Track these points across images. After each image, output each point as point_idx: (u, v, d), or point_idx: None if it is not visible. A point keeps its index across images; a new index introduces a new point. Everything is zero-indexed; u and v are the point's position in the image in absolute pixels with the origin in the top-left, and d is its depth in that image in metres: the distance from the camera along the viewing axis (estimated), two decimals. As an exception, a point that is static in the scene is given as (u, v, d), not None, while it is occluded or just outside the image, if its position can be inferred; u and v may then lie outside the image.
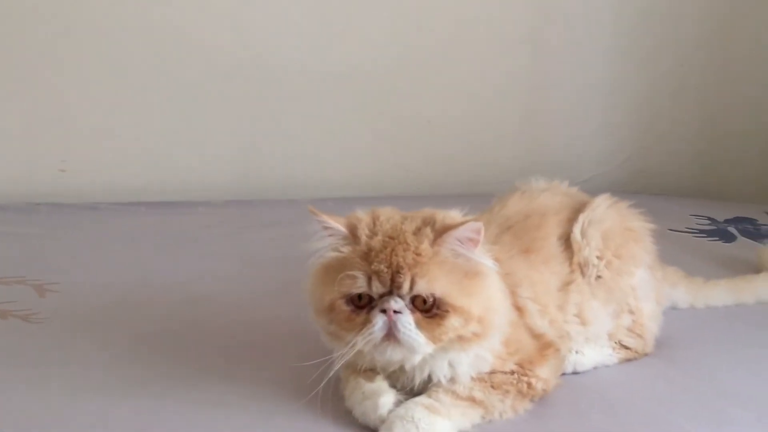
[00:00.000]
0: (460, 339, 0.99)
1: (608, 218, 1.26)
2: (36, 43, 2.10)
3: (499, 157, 2.42)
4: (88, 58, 2.13)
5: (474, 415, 1.02)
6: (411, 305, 0.97)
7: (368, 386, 1.03)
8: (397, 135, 2.34)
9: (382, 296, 0.97)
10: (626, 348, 1.24)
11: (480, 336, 1.00)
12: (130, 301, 1.49)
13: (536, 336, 1.12)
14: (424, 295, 0.96)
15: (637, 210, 1.31)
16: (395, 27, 2.29)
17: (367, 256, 0.98)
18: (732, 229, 2.00)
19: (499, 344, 1.05)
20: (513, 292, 1.10)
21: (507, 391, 1.05)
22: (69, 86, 2.15)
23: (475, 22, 2.32)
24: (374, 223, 1.02)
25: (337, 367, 1.02)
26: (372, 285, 0.97)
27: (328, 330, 1.03)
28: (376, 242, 0.99)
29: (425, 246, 0.98)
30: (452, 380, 1.03)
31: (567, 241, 1.24)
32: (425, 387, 1.04)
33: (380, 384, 1.04)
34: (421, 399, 1.01)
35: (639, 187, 2.29)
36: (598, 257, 1.22)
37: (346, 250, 1.01)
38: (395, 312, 0.96)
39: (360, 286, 0.97)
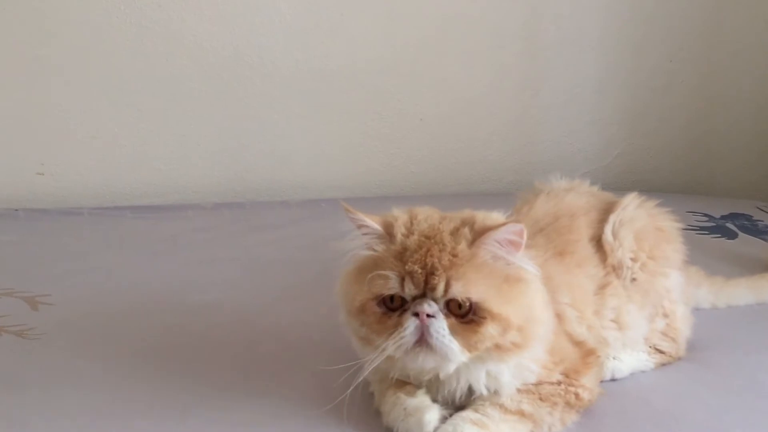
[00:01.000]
0: (498, 348, 0.93)
1: (639, 218, 1.22)
2: (13, 43, 1.97)
3: (490, 155, 2.38)
4: (67, 58, 2.00)
5: (523, 430, 0.97)
6: (446, 310, 0.91)
7: (410, 402, 0.97)
8: (390, 133, 2.27)
9: (415, 299, 0.92)
10: (661, 352, 1.20)
11: (520, 346, 0.94)
12: (129, 313, 1.39)
13: (577, 343, 1.07)
14: (459, 299, 0.90)
15: (665, 209, 1.28)
16: (386, 23, 2.22)
17: (402, 255, 0.93)
18: (730, 226, 1.99)
19: (545, 353, 1.00)
20: (552, 299, 1.06)
21: (555, 403, 1.00)
22: (47, 86, 2.02)
23: (466, 19, 2.26)
24: (411, 222, 0.97)
25: (366, 372, 0.96)
26: (405, 286, 0.92)
27: (360, 334, 0.98)
28: (412, 242, 0.94)
29: (462, 247, 0.93)
30: (496, 392, 0.98)
31: (598, 243, 1.20)
32: (468, 400, 0.99)
33: (423, 399, 0.98)
34: (469, 414, 0.96)
35: (630, 185, 2.26)
36: (632, 259, 1.18)
37: (380, 249, 0.96)
38: (428, 316, 0.90)
39: (392, 287, 0.92)
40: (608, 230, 1.20)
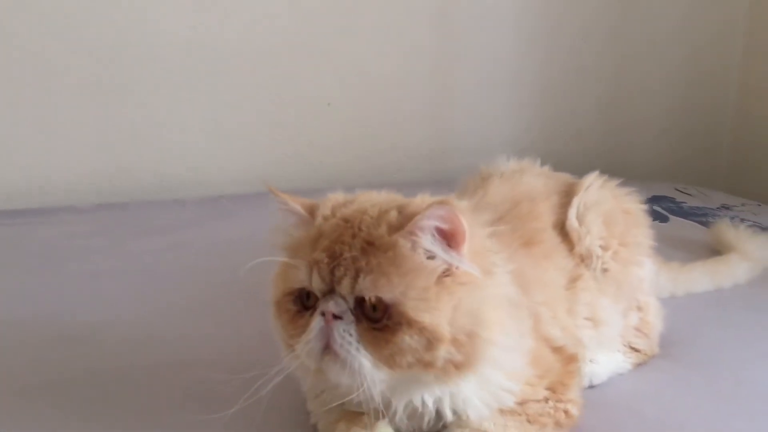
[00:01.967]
0: (429, 367, 0.73)
1: (604, 200, 1.08)
2: None
3: (404, 142, 2.20)
4: None
5: (510, 460, 0.79)
6: (358, 310, 0.72)
7: None
8: (295, 120, 2.05)
9: (325, 295, 0.73)
10: (636, 351, 1.06)
11: (460, 367, 0.74)
12: (7, 343, 1.11)
13: (556, 349, 0.90)
14: (367, 297, 0.71)
15: (627, 190, 1.14)
16: (291, 0, 1.99)
17: (315, 242, 0.75)
18: (658, 209, 1.91)
19: (526, 367, 0.83)
20: (526, 298, 0.88)
21: (545, 425, 0.82)
22: None
23: (376, -2, 2.08)
24: (344, 205, 0.79)
25: (276, 380, 0.77)
26: (312, 278, 0.73)
27: (279, 336, 0.80)
28: (328, 226, 0.76)
29: (381, 233, 0.73)
30: (468, 417, 0.80)
31: (562, 230, 1.04)
32: (438, 425, 0.80)
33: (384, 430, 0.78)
34: (447, 448, 0.77)
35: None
36: (602, 247, 1.03)
37: (298, 235, 0.79)
38: (334, 317, 0.72)
39: (301, 279, 0.75)
40: (572, 215, 1.05)
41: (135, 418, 0.91)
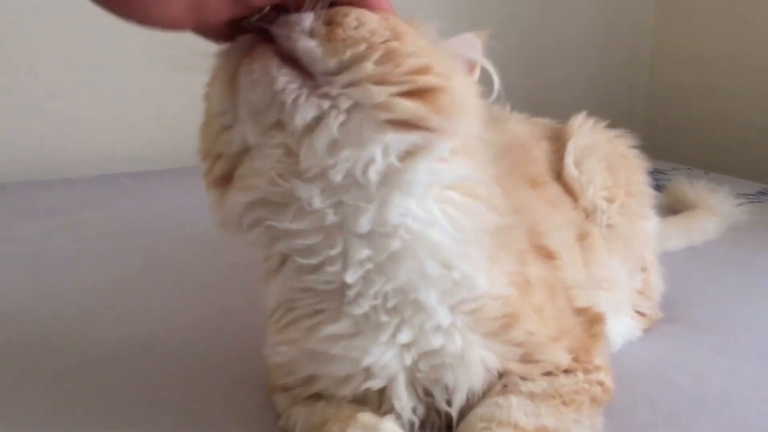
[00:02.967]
0: (385, 59, 0.51)
1: (600, 144, 0.94)
2: None
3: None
4: None
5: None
6: None
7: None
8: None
9: None
10: (642, 315, 0.93)
11: (431, 98, 0.52)
12: None
13: (580, 311, 0.74)
14: None
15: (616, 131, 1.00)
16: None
17: None
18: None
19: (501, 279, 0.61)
20: (536, 235, 0.72)
21: (581, 404, 0.66)
22: None
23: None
24: None
25: None
26: None
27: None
28: None
29: None
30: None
31: (559, 181, 0.90)
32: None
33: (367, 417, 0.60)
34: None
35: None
36: (606, 199, 0.89)
37: None
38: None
39: None
40: (570, 162, 0.90)
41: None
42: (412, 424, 0.63)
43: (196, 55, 0.56)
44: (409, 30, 0.55)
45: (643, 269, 0.94)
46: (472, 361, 0.60)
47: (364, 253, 0.55)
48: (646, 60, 2.46)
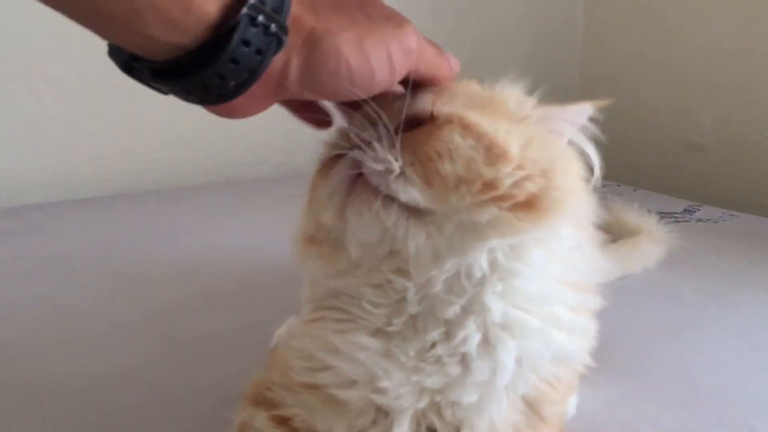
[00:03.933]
0: (487, 188, 0.50)
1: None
2: None
3: (253, 133, 1.95)
4: None
5: None
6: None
7: None
8: (124, 110, 1.73)
9: None
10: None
11: (533, 206, 0.51)
12: None
13: None
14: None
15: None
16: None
17: None
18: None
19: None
20: None
21: None
22: None
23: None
24: None
25: None
26: None
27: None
28: None
29: None
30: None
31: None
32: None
33: None
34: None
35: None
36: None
37: None
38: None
39: None
40: None
41: None
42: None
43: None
44: (500, 131, 0.53)
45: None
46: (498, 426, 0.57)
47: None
48: (577, 53, 2.49)
